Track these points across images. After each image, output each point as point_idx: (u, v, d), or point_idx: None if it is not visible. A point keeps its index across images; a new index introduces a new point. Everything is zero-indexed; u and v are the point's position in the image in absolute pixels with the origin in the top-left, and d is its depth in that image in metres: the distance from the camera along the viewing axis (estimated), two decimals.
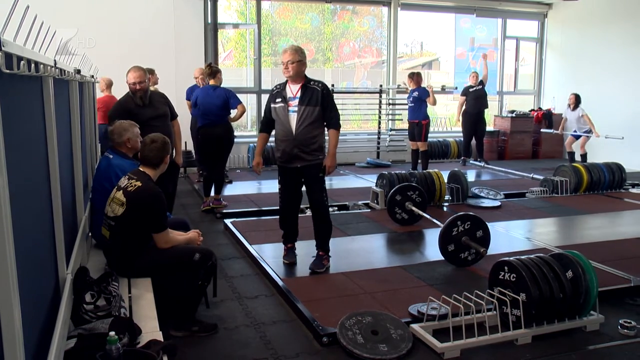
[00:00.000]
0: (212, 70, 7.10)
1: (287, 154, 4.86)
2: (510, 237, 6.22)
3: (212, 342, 3.70)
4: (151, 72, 7.88)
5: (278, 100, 4.90)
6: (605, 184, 8.61)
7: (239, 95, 7.26)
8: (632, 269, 4.95)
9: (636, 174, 10.04)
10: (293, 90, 4.85)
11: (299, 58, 4.76)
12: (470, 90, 11.05)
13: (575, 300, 3.78)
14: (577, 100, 10.63)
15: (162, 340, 2.86)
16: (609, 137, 10.08)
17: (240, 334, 3.84)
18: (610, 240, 6.12)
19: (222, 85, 7.13)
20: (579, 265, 3.81)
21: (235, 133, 7.51)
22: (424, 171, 7.75)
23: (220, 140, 6.97)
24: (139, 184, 3.63)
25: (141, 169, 3.80)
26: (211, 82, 7.07)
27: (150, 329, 3.00)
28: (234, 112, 7.14)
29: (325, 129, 4.89)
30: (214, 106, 6.89)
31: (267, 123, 5.08)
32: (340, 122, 4.92)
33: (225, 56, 13.00)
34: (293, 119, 4.80)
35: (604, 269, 4.95)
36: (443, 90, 11.38)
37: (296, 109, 4.78)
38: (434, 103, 9.67)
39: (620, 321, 3.97)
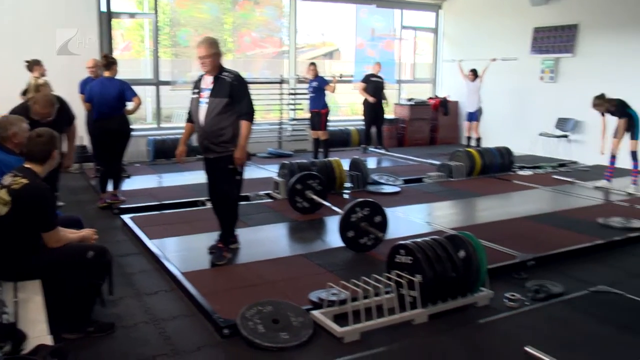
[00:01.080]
0: (108, 62, 6.83)
1: (200, 145, 4.83)
2: (408, 221, 6.39)
3: (108, 342, 3.56)
4: (37, 63, 7.50)
5: (195, 91, 4.83)
6: (496, 167, 9.03)
7: (137, 87, 7.02)
8: (518, 246, 5.22)
9: (522, 157, 10.59)
10: (208, 81, 4.75)
11: (213, 51, 4.64)
12: (372, 79, 11.23)
13: (467, 279, 3.93)
14: (475, 74, 11.07)
15: (51, 344, 2.72)
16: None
17: (138, 331, 3.72)
18: (500, 220, 6.43)
19: (119, 77, 6.87)
20: (470, 245, 3.96)
21: (134, 126, 7.25)
22: (325, 159, 7.81)
23: (116, 133, 6.72)
24: (25, 181, 3.42)
25: (27, 166, 3.58)
26: (106, 73, 6.80)
27: (39, 334, 2.84)
28: (130, 105, 6.89)
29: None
30: (110, 98, 6.62)
31: (190, 113, 4.95)
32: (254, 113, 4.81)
33: (124, 47, 12.55)
34: (203, 110, 4.71)
35: (493, 247, 5.19)
36: (340, 78, 11.46)
37: (207, 100, 4.69)
38: (333, 91, 9.79)
39: (506, 295, 4.18)
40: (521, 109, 11.85)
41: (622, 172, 8.49)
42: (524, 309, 4.08)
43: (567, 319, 3.96)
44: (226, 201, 4.95)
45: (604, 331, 3.77)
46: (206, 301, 3.99)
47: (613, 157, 8.17)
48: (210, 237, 5.19)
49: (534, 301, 4.19)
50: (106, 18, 9.96)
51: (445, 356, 3.45)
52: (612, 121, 8.18)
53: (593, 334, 3.73)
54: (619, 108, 8.05)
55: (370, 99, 11.06)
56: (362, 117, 11.59)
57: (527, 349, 3.35)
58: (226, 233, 5.02)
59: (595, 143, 8.51)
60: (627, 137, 8.08)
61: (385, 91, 11.52)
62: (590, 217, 6.49)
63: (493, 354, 3.51)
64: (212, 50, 4.63)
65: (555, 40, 11.15)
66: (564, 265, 5.00)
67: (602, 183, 8.30)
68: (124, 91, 6.69)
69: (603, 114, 8.21)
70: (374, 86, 11.19)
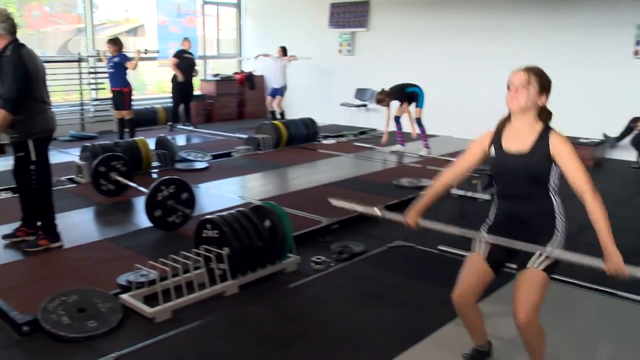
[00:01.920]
0: None
1: None
2: (217, 195, 6.38)
3: None
4: None
5: None
6: (302, 138, 9.32)
7: None
8: (323, 211, 5.45)
9: (326, 126, 11.06)
10: None
11: None
12: (184, 55, 10.96)
13: (274, 247, 4.04)
14: (284, 51, 11.23)
15: None
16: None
17: None
18: (307, 188, 6.67)
19: None
20: (274, 214, 4.07)
21: None
22: (129, 140, 7.51)
23: None
24: None
25: None
26: None
27: None
28: None
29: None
30: None
31: None
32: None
33: None
34: None
35: (300, 214, 5.38)
36: (145, 54, 10.99)
37: None
38: (134, 68, 9.35)
39: (312, 258, 4.37)
40: (323, 81, 12.33)
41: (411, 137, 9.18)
42: (330, 270, 4.30)
43: (369, 274, 4.25)
44: (26, 189, 4.55)
45: (401, 280, 4.10)
46: (1, 299, 3.66)
47: (399, 122, 8.76)
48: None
49: (338, 262, 4.43)
50: None
51: (257, 323, 3.52)
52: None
53: (391, 284, 4.04)
54: (397, 95, 8.57)
55: (180, 77, 10.78)
56: (171, 95, 11.27)
57: (331, 200, 3.30)
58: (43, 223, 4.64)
59: (394, 112, 9.07)
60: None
61: (196, 67, 11.32)
62: (387, 179, 6.98)
63: (303, 314, 3.66)
64: None
65: (350, 15, 11.69)
66: (365, 226, 5.32)
67: (397, 147, 8.92)
68: None
69: (388, 106, 8.69)
70: (185, 63, 10.92)
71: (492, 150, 2.68)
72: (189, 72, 10.99)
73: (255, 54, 12.66)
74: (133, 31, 15.89)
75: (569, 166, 2.50)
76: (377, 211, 3.00)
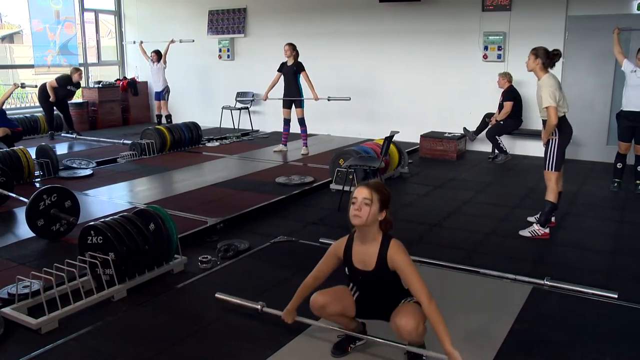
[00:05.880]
0: None
1: None
2: (102, 202, 6.13)
3: None
4: None
5: None
6: (187, 141, 9.15)
7: None
8: (208, 212, 5.41)
9: (210, 129, 10.96)
10: None
11: None
12: (68, 88, 10.10)
13: (159, 249, 3.95)
14: (158, 55, 10.86)
15: None
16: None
17: None
18: (192, 190, 6.55)
19: None
20: (158, 217, 3.97)
21: None
22: (8, 150, 7.01)
23: None
24: None
25: None
26: None
27: None
28: None
29: None
30: None
31: None
32: None
33: None
34: None
35: (186, 215, 5.30)
36: (23, 88, 10.02)
37: None
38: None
39: (199, 258, 4.31)
40: (205, 85, 12.16)
41: (295, 137, 9.29)
42: (216, 268, 4.26)
43: (254, 269, 4.25)
44: None
45: (285, 274, 4.14)
46: None
47: (287, 125, 8.81)
48: None
49: (224, 260, 4.40)
50: None
51: (148, 324, 3.43)
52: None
53: (276, 278, 4.07)
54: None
55: (52, 98, 10.00)
56: (39, 104, 10.43)
57: (217, 295, 3.59)
58: None
59: (274, 113, 9.11)
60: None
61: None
62: (270, 178, 7.00)
63: (191, 312, 3.60)
64: None
65: (229, 22, 11.59)
66: (250, 223, 5.33)
67: (280, 147, 8.98)
68: None
69: None
70: (65, 93, 10.15)
71: (345, 263, 2.88)
72: (62, 99, 10.23)
73: (137, 55, 12.21)
74: (9, 37, 14.89)
75: (405, 277, 2.69)
76: (259, 307, 3.35)
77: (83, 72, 10.79)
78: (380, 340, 2.96)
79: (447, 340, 2.54)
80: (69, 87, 10.15)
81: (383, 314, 2.86)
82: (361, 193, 2.70)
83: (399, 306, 2.78)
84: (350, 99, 8.27)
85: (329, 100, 8.47)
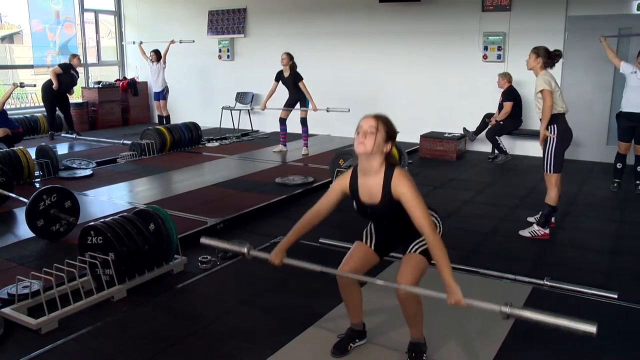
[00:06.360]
0: None
1: None
2: (102, 202, 6.12)
3: None
4: None
5: None
6: (186, 142, 9.15)
7: None
8: (209, 212, 5.40)
9: (210, 130, 10.94)
10: None
11: None
12: (71, 72, 10.16)
13: (159, 249, 3.94)
14: (157, 55, 10.86)
15: None
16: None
17: None
18: (192, 190, 6.54)
19: None
20: (158, 217, 3.96)
21: None
22: (8, 150, 7.00)
23: None
24: None
25: None
26: None
27: None
28: None
29: None
30: None
31: None
32: None
33: None
34: None
35: (186, 216, 5.28)
36: (22, 87, 9.99)
37: None
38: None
39: (199, 258, 4.31)
40: (205, 86, 12.14)
41: (295, 137, 9.28)
42: (216, 268, 4.25)
43: (253, 270, 4.23)
44: None
45: (284, 274, 4.10)
46: None
47: (284, 125, 8.82)
48: None
49: (223, 260, 4.39)
50: None
51: (148, 324, 3.42)
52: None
53: (275, 279, 4.05)
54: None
55: (55, 85, 10.00)
56: (42, 104, 10.46)
57: (202, 240, 3.15)
58: None
59: (274, 113, 9.10)
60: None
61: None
62: (270, 178, 7.00)
63: (191, 313, 3.60)
64: None
65: (229, 22, 11.59)
66: (251, 224, 5.33)
67: (279, 148, 8.98)
68: None
69: None
70: (69, 79, 10.15)
71: (352, 196, 2.78)
72: (67, 88, 10.25)
73: (137, 56, 12.19)
74: (9, 37, 14.87)
75: (410, 208, 2.56)
76: (246, 251, 2.96)
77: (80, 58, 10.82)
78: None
79: (447, 274, 2.46)
80: (72, 72, 10.21)
81: (404, 242, 2.82)
82: (367, 122, 2.62)
83: (407, 256, 2.77)
84: (349, 110, 8.24)
85: (327, 111, 8.46)
